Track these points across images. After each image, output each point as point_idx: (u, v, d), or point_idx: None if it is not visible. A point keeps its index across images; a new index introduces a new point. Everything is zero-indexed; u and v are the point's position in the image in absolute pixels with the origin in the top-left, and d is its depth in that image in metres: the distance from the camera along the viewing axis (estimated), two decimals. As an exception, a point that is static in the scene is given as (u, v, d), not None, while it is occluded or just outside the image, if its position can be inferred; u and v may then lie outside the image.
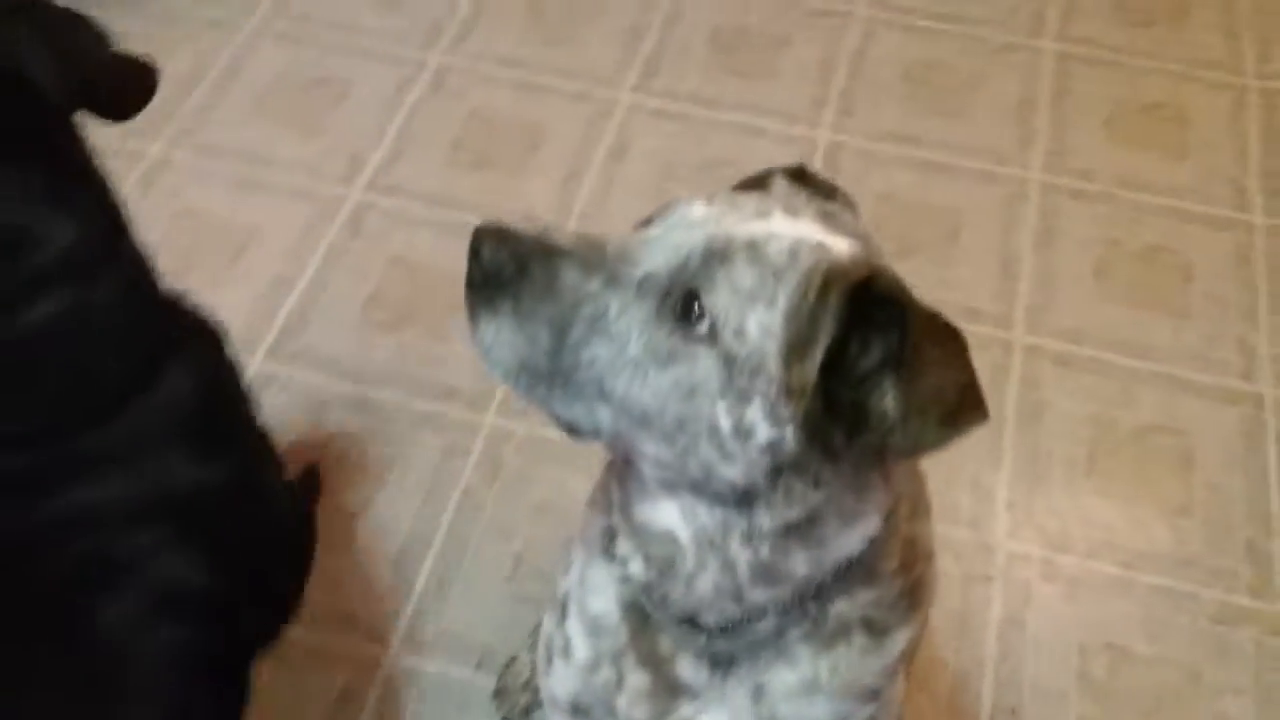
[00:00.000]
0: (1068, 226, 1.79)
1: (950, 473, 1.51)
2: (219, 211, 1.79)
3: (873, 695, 0.84)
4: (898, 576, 0.80)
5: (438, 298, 1.68)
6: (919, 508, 0.86)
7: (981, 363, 1.56)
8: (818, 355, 0.67)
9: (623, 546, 0.81)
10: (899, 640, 0.83)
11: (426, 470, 1.51)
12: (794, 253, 0.67)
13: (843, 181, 1.80)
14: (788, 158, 1.84)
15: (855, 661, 0.81)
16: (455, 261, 0.81)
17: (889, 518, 0.77)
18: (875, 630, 0.81)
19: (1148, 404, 1.58)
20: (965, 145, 1.90)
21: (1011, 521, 1.48)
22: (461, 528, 1.46)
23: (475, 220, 0.73)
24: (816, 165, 1.85)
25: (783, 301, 0.67)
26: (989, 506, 1.50)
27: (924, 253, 1.76)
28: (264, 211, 1.78)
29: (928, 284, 1.67)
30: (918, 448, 0.67)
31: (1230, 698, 1.33)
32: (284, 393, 1.58)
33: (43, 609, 0.91)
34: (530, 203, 1.79)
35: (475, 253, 0.71)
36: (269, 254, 1.73)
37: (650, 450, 0.71)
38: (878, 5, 2.11)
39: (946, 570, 1.43)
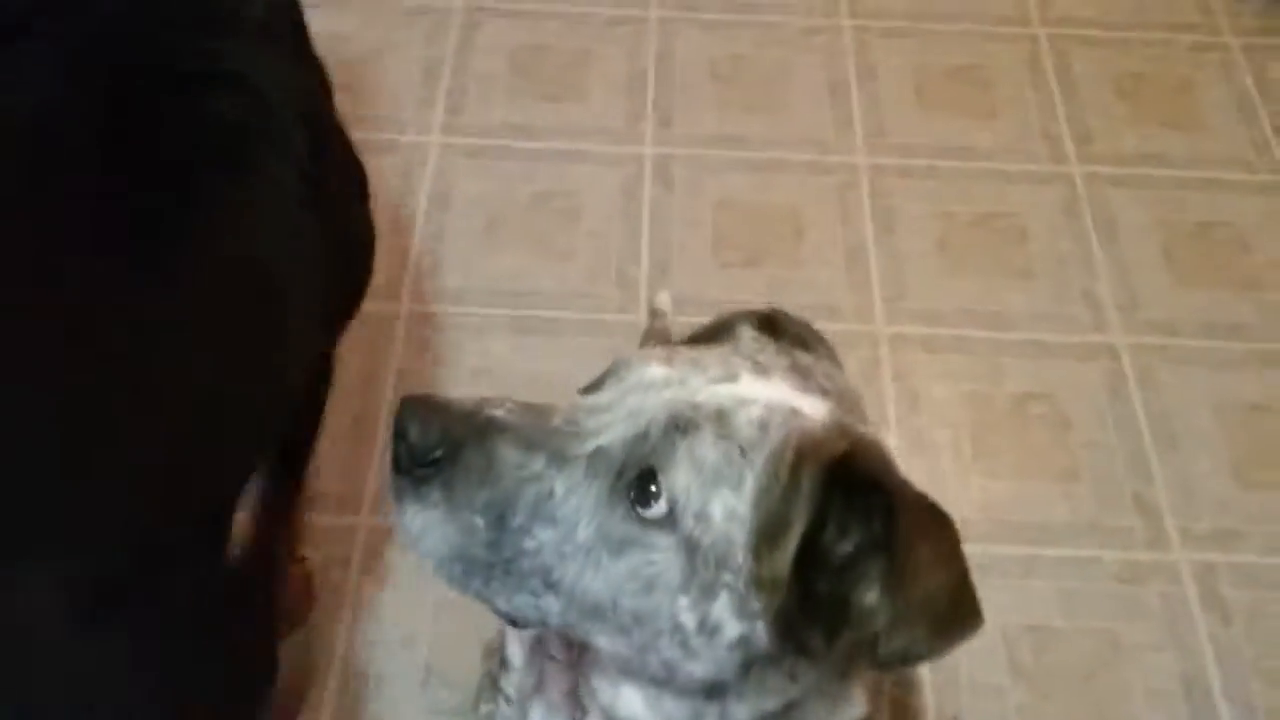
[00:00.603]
0: (902, 206, 1.80)
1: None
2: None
3: None
4: None
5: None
6: None
7: (851, 360, 1.57)
8: (791, 544, 0.60)
9: None
10: None
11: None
12: (763, 424, 0.60)
13: (678, 194, 1.79)
14: (618, 178, 1.79)
15: None
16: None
17: (877, 694, 0.72)
18: None
19: (1015, 374, 1.61)
20: (788, 138, 1.88)
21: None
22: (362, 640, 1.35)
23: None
24: (647, 181, 1.80)
25: (750, 483, 0.60)
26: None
27: (773, 257, 1.73)
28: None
29: (783, 289, 1.67)
30: (906, 659, 0.61)
31: (1151, 655, 1.37)
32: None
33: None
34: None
35: (401, 432, 0.62)
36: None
37: (605, 644, 0.64)
38: (669, 5, 2.06)
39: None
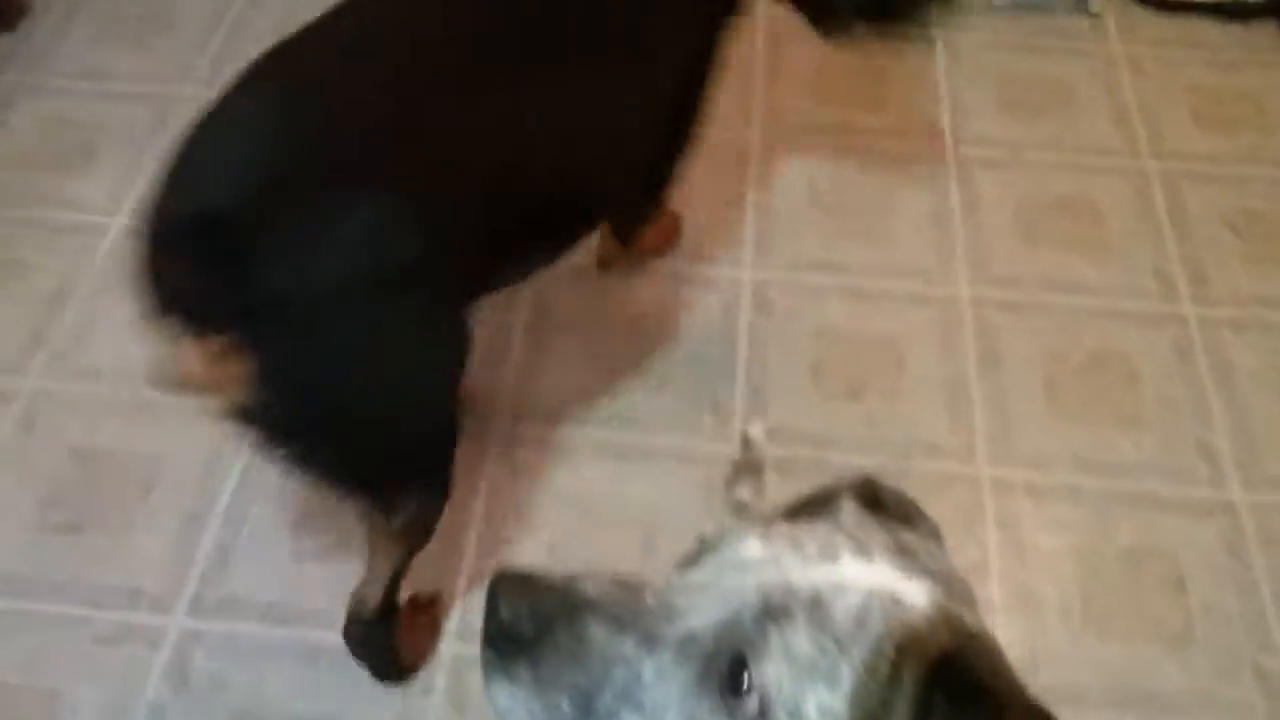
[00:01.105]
0: (1008, 343, 1.76)
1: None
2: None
3: None
4: None
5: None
6: None
7: (949, 503, 1.52)
8: None
9: None
10: None
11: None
12: (861, 617, 0.57)
13: (776, 320, 1.76)
14: (715, 303, 1.78)
15: None
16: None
17: None
18: None
19: (1127, 529, 1.54)
20: (890, 267, 1.86)
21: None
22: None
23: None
24: (745, 306, 1.79)
25: (847, 678, 0.56)
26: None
27: (873, 389, 1.69)
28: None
29: (885, 422, 1.63)
30: None
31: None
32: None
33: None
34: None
35: (493, 609, 0.61)
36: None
37: None
38: (773, 126, 2.07)
39: None
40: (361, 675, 1.37)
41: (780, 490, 0.96)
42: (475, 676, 1.34)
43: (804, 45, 2.20)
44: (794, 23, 1.52)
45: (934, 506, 0.71)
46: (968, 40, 2.25)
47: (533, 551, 1.51)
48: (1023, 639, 1.43)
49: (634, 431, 1.63)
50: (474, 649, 1.40)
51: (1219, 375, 1.71)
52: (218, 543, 1.50)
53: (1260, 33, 2.30)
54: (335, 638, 1.36)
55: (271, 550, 1.49)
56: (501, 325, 1.76)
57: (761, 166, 2.01)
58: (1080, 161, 2.03)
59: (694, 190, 1.95)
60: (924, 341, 1.75)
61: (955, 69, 2.20)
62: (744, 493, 1.34)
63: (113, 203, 1.90)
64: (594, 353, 1.73)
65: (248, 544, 1.50)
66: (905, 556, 0.62)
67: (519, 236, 1.20)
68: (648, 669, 0.59)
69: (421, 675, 1.40)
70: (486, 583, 0.62)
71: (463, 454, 1.54)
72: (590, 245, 1.76)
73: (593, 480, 1.58)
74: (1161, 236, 1.90)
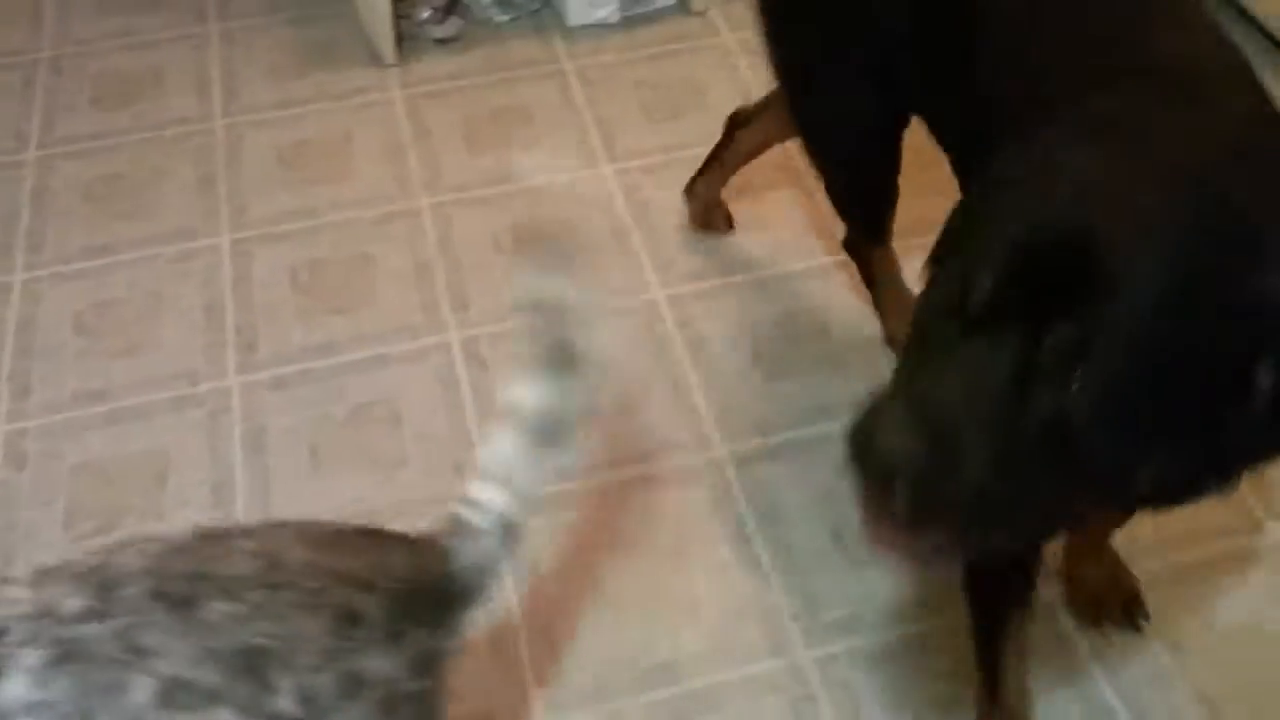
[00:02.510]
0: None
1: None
2: None
3: None
4: None
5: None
6: None
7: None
8: None
9: None
10: None
11: None
12: None
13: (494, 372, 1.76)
14: (428, 375, 1.77)
15: None
16: None
17: None
18: None
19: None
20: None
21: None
22: None
23: None
24: (460, 367, 1.79)
25: None
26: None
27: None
28: None
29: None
30: None
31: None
32: None
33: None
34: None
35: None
36: None
37: None
38: (437, 190, 2.09)
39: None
40: None
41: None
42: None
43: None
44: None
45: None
46: (595, 63, 2.36)
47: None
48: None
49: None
50: None
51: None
52: None
53: None
54: None
55: None
56: (217, 458, 1.67)
57: (439, 227, 2.02)
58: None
59: (375, 268, 1.94)
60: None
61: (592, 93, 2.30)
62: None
63: None
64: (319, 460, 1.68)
65: None
66: None
67: None
68: None
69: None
70: None
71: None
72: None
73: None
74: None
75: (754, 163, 1.93)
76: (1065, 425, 0.79)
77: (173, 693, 0.77)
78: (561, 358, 0.94)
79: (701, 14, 2.48)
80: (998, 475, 0.80)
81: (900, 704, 1.41)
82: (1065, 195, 0.84)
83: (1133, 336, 0.78)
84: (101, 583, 0.79)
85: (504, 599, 1.50)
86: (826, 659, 1.45)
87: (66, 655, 0.75)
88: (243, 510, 1.61)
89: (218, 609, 0.80)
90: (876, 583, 1.51)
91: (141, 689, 0.76)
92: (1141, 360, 0.79)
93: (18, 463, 1.67)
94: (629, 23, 2.44)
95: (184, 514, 1.61)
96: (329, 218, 2.05)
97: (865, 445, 0.81)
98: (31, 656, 0.75)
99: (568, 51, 2.39)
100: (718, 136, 1.90)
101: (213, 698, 0.77)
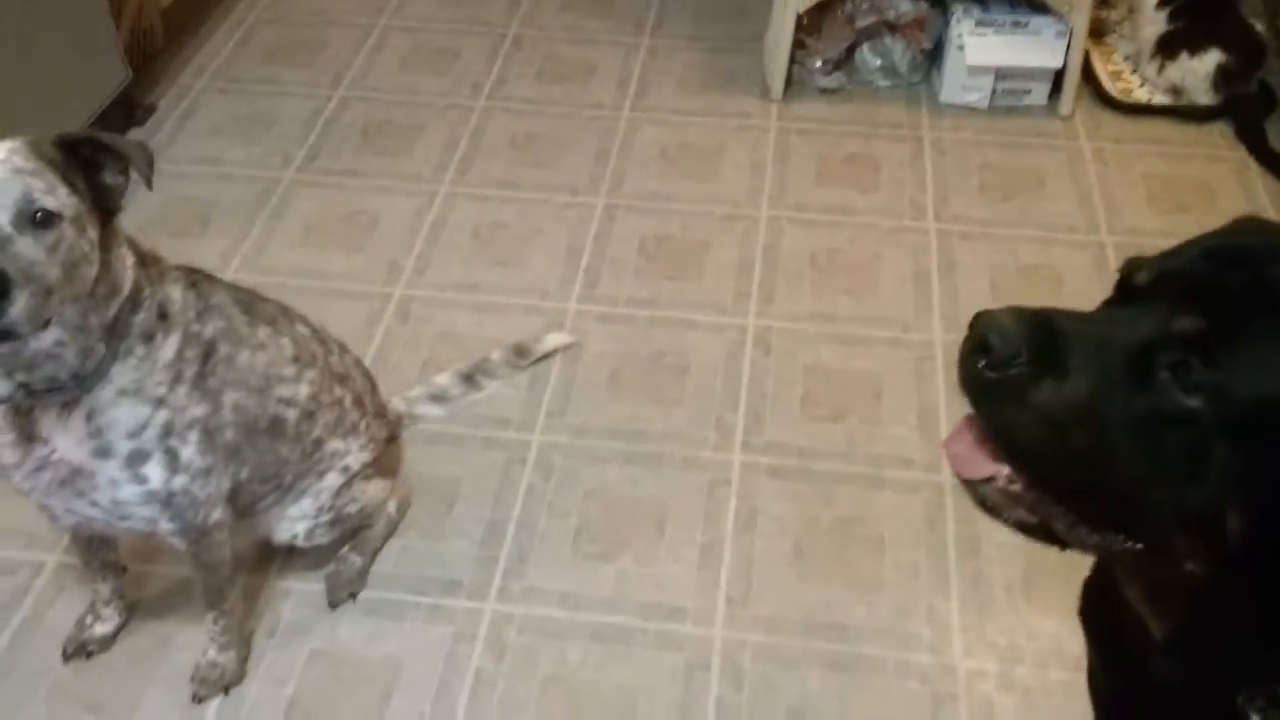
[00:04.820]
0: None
1: (909, 602, 1.70)
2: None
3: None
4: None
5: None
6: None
7: (917, 505, 1.78)
8: None
9: None
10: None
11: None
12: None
13: (774, 359, 2.06)
14: (722, 345, 2.10)
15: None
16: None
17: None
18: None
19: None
20: (870, 316, 2.17)
21: (965, 642, 1.66)
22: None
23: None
24: (747, 347, 2.10)
25: None
26: (946, 632, 1.68)
27: (855, 414, 1.99)
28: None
29: (864, 440, 1.92)
30: None
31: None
32: (295, 606, 1.71)
33: None
34: (502, 410, 2.00)
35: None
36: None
37: None
38: (778, 206, 2.43)
39: (912, 691, 1.60)
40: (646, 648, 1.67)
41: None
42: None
43: (806, 138, 2.58)
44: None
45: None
46: (952, 138, 2.61)
47: (561, 536, 1.80)
48: (973, 606, 1.69)
49: (648, 444, 1.94)
50: (510, 604, 1.68)
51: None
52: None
53: (1212, 130, 2.63)
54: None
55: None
56: (538, 359, 2.09)
57: (766, 235, 2.35)
58: (1042, 235, 2.35)
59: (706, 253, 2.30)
60: (899, 377, 2.05)
61: (940, 162, 2.55)
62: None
63: (222, 261, 2.28)
64: (617, 384, 2.05)
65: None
66: None
67: None
68: None
69: (465, 627, 1.68)
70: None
71: (506, 459, 1.87)
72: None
73: (613, 482, 1.88)
74: (1112, 294, 2.20)
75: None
76: (1166, 417, 0.75)
77: None
78: None
79: (1068, 118, 2.66)
80: (1080, 423, 0.77)
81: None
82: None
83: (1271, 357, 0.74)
84: None
85: (722, 530, 1.79)
86: (975, 673, 1.62)
87: None
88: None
89: None
90: (1036, 625, 1.66)
91: None
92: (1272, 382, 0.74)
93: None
94: (996, 111, 2.67)
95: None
96: (685, 206, 2.44)
97: (981, 319, 0.81)
98: None
99: (931, 123, 2.66)
100: (1040, 224, 2.09)
101: None
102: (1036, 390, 0.79)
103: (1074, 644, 1.09)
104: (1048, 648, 1.64)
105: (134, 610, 1.68)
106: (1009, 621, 1.69)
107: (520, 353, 2.04)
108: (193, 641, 1.62)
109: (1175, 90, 2.69)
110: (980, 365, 0.80)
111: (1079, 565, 1.75)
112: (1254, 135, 2.58)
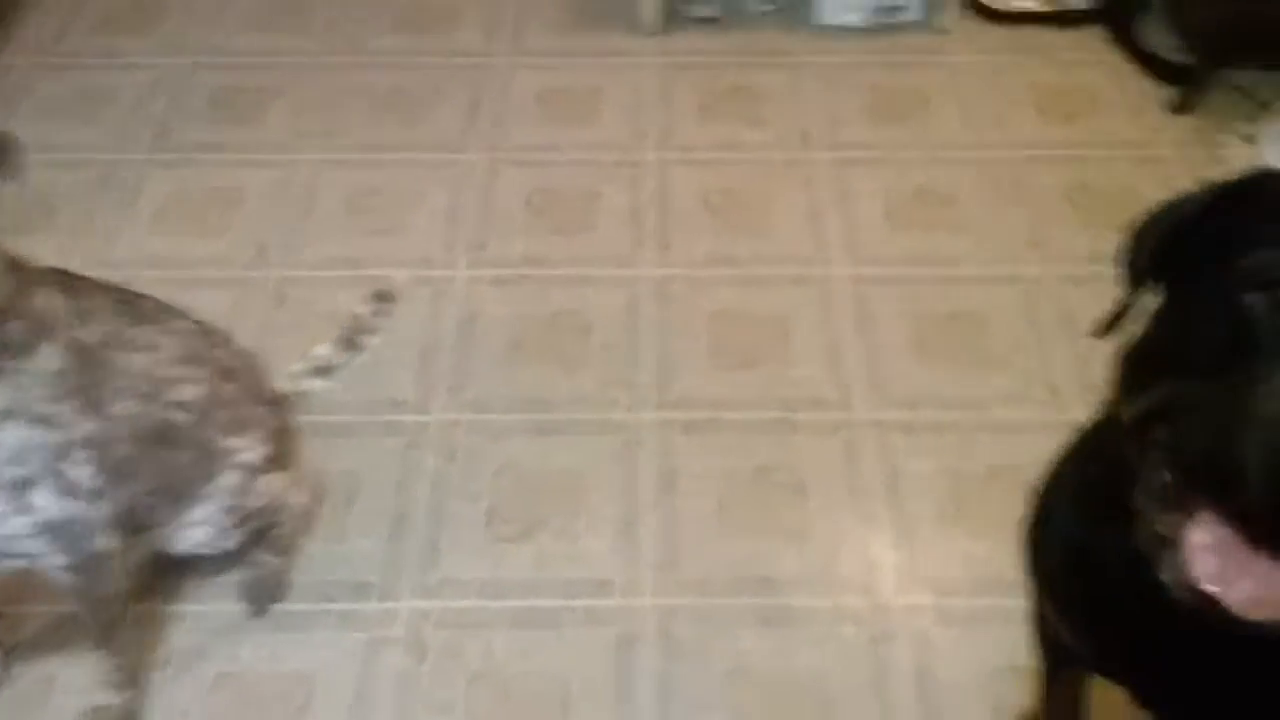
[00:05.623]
0: (878, 308, 2.00)
1: (836, 546, 1.66)
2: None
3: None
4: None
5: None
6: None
7: (836, 445, 1.74)
8: None
9: None
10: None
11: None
12: None
13: (677, 309, 1.99)
14: (621, 300, 2.01)
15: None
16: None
17: None
18: None
19: (986, 451, 1.78)
20: (775, 256, 2.11)
21: (897, 579, 1.63)
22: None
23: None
24: (649, 299, 2.02)
25: None
26: (877, 571, 1.65)
27: (765, 359, 1.93)
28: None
29: (774, 385, 1.86)
30: None
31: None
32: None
33: None
34: (392, 390, 1.88)
35: None
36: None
37: None
38: (666, 147, 2.33)
39: (848, 637, 1.56)
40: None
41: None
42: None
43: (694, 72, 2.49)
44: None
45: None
46: (834, 61, 2.54)
47: (473, 521, 1.71)
48: (908, 549, 1.67)
49: (556, 412, 1.85)
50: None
51: (1060, 322, 1.97)
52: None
53: (1089, 34, 2.61)
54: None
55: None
56: (432, 329, 1.97)
57: (656, 180, 2.26)
58: (939, 155, 2.31)
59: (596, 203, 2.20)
60: (805, 315, 2.00)
61: (825, 88, 2.48)
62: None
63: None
64: (518, 350, 1.95)
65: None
66: None
67: None
68: None
69: (381, 627, 1.58)
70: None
71: (406, 443, 1.76)
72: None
73: (521, 457, 1.79)
74: (1007, 211, 2.18)
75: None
76: None
77: None
78: None
79: (947, 33, 2.61)
80: None
81: (973, 662, 1.54)
82: None
83: None
84: None
85: (641, 495, 1.73)
86: (912, 608, 1.59)
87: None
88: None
89: None
90: (967, 551, 1.65)
91: None
92: None
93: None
94: (874, 29, 2.61)
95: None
96: (570, 155, 2.33)
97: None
98: None
99: (811, 46, 2.58)
100: (930, 142, 2.04)
101: None
102: None
103: (1008, 567, 1.06)
104: (981, 574, 1.63)
105: (11, 655, 1.54)
106: (940, 551, 1.67)
107: (384, 297, 1.87)
108: (79, 683, 1.49)
109: (1049, -4, 2.67)
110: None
111: (1003, 482, 1.77)
112: (1127, 36, 2.57)
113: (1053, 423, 1.80)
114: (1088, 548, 0.95)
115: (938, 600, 1.61)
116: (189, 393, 1.40)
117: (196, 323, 1.50)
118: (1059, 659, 1.22)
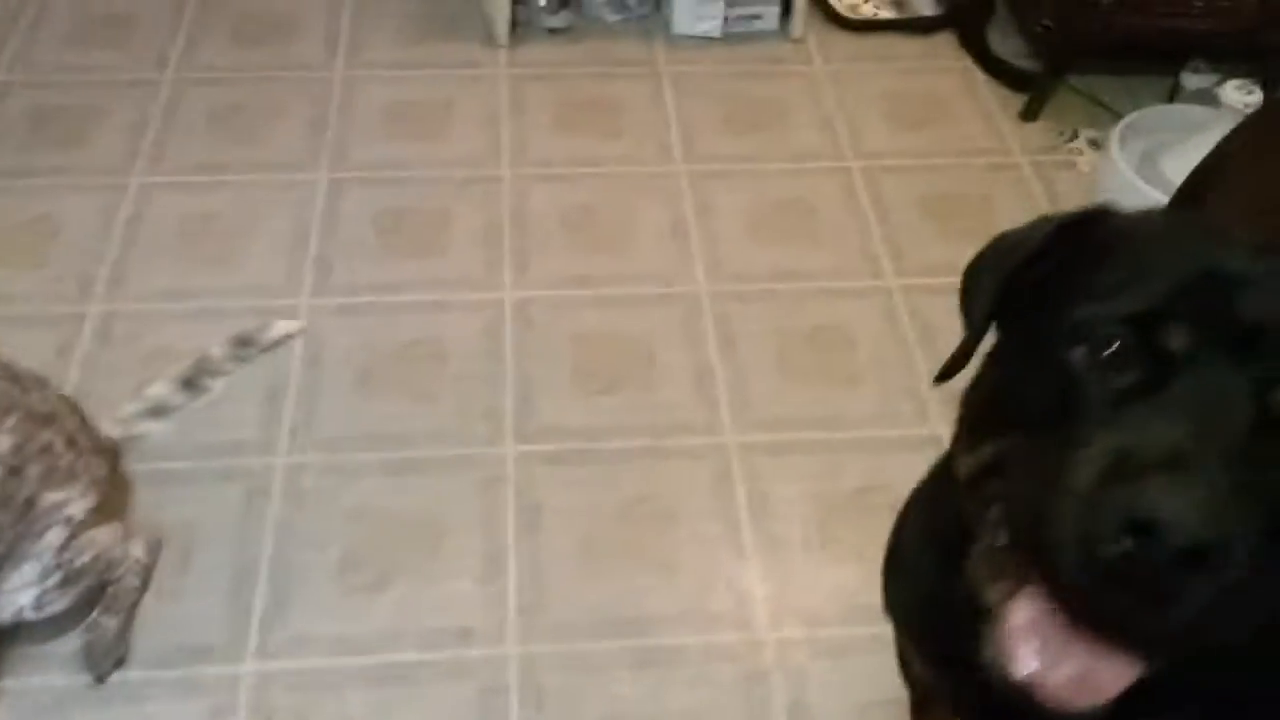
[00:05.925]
0: (742, 326, 1.97)
1: (708, 580, 1.61)
2: None
3: None
4: None
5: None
6: None
7: (704, 471, 1.69)
8: None
9: None
10: None
11: None
12: None
13: (537, 333, 1.91)
14: (478, 325, 1.92)
15: None
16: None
17: None
18: None
19: (853, 470, 1.76)
20: (631, 274, 2.05)
21: (770, 611, 1.59)
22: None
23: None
24: (507, 324, 1.94)
25: None
26: (749, 605, 1.60)
27: (629, 383, 1.87)
28: None
29: (640, 410, 1.80)
30: None
31: None
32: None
33: None
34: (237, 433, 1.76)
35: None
36: None
37: None
38: (520, 163, 2.25)
39: (723, 675, 1.52)
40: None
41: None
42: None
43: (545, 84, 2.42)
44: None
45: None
46: (690, 71, 2.50)
47: (323, 571, 1.60)
48: (777, 579, 1.62)
49: (411, 449, 1.76)
50: (273, 661, 1.47)
51: (921, 334, 1.97)
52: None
53: (938, 41, 2.64)
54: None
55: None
56: (276, 365, 1.85)
57: (512, 197, 2.18)
58: (794, 168, 2.29)
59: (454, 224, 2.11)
60: (669, 335, 1.95)
61: (682, 98, 2.44)
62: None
63: None
64: (367, 384, 1.85)
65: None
66: None
67: None
68: None
69: (225, 695, 1.46)
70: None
71: (249, 489, 1.64)
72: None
73: (375, 499, 1.69)
74: (866, 223, 2.17)
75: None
76: None
77: None
78: None
79: (800, 41, 2.60)
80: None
81: (848, 694, 1.51)
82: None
83: None
84: None
85: (504, 535, 1.64)
86: (785, 642, 1.56)
87: None
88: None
89: None
90: (836, 580, 1.62)
91: None
92: None
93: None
94: (730, 39, 2.58)
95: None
96: (419, 173, 2.22)
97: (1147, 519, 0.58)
98: None
99: (667, 57, 2.54)
100: (788, 152, 2.02)
101: None
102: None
103: (877, 594, 1.03)
104: (851, 603, 1.60)
105: None
106: (809, 580, 1.63)
107: (244, 343, 1.74)
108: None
109: (899, 3, 2.69)
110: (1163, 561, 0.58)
111: (871, 502, 1.75)
112: (977, 42, 2.60)
113: (919, 438, 1.79)
114: (936, 593, 0.92)
115: (810, 632, 1.57)
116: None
117: (3, 366, 1.37)
118: (925, 693, 1.19)
